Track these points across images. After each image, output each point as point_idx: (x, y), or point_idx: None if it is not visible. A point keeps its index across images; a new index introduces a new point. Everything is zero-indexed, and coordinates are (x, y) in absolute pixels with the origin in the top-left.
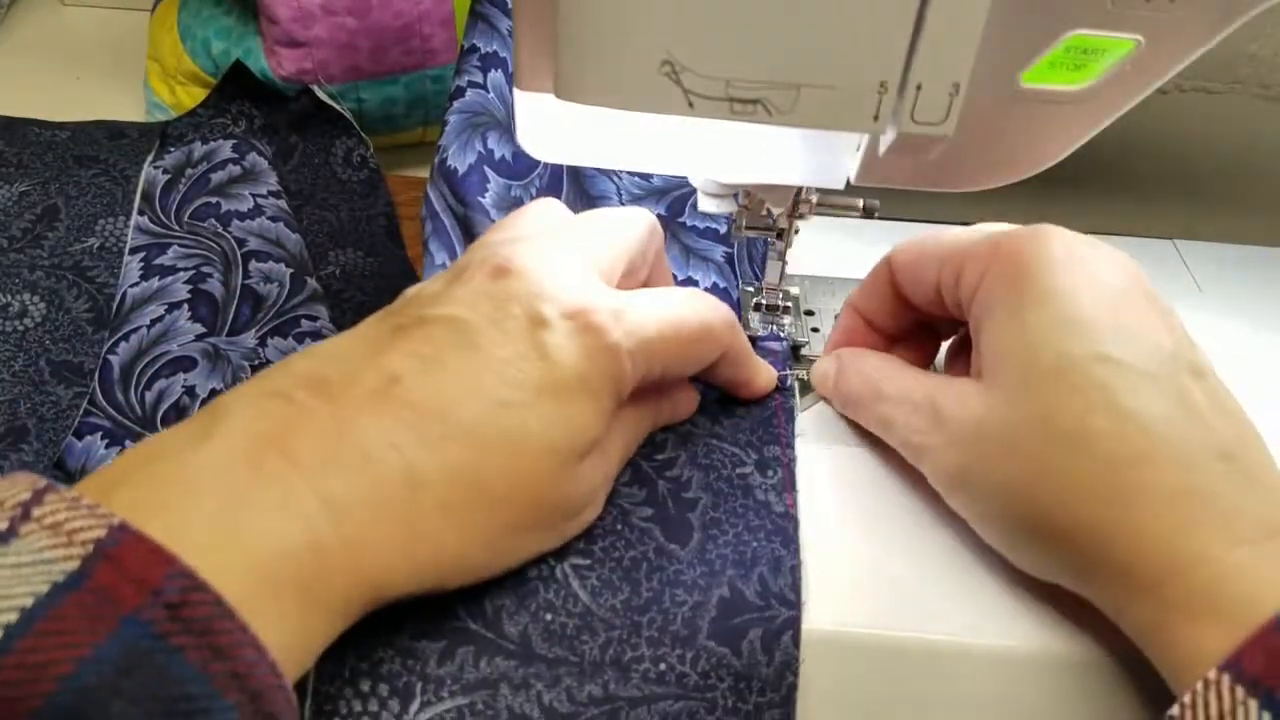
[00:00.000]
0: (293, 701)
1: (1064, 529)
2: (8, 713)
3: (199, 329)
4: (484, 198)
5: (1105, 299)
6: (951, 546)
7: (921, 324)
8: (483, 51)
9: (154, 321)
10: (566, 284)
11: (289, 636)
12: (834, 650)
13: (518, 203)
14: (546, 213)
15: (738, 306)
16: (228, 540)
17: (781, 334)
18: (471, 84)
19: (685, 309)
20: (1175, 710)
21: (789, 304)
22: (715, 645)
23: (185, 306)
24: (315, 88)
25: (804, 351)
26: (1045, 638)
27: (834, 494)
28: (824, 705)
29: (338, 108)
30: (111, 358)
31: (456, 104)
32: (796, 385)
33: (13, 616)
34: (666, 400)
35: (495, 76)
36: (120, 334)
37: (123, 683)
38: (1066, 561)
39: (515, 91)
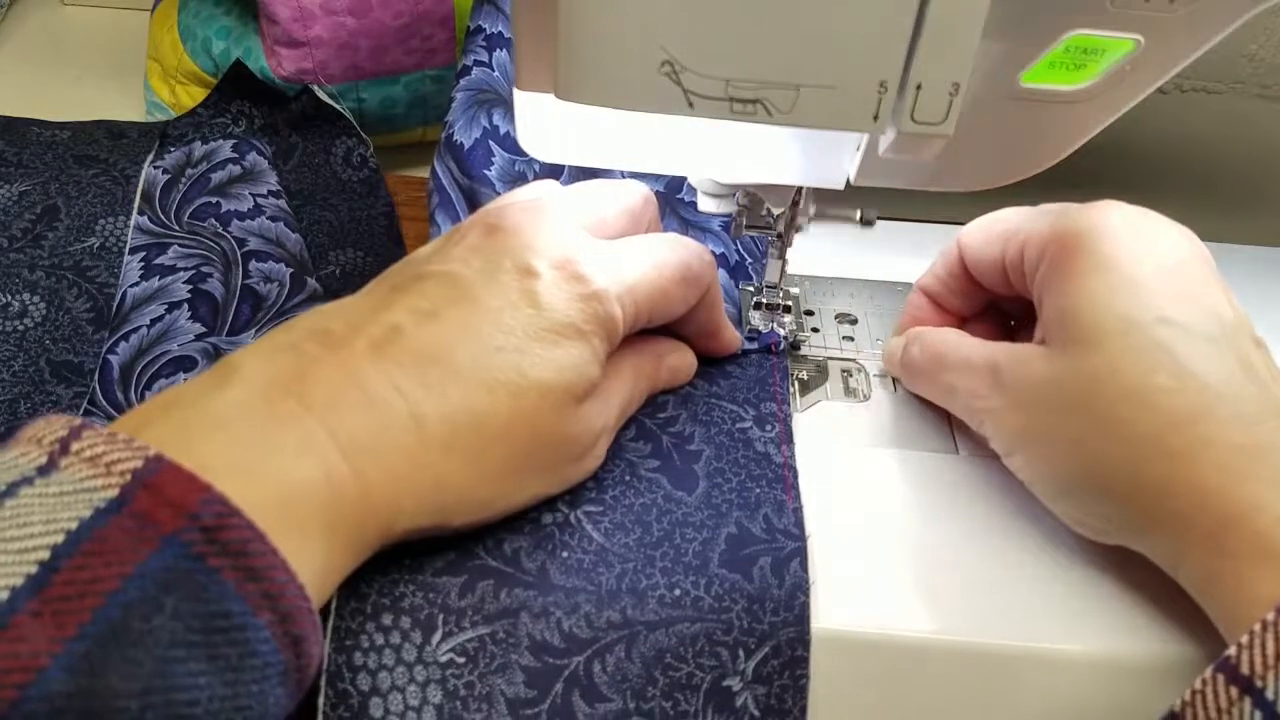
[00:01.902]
0: (318, 624)
1: (1124, 484)
2: (60, 624)
3: (199, 329)
4: (489, 171)
5: (1166, 266)
6: (954, 544)
7: (993, 305)
8: (488, 32)
9: (154, 321)
10: (554, 238)
11: (310, 565)
12: (838, 650)
13: (521, 176)
14: (544, 186)
15: (735, 272)
16: (250, 475)
17: (781, 332)
18: (477, 63)
19: (666, 252)
20: (1232, 650)
21: (789, 303)
22: (727, 573)
23: (185, 306)
24: (315, 88)
25: (803, 351)
26: (1052, 636)
27: (835, 493)
28: (829, 705)
29: (338, 108)
30: (111, 358)
31: (463, 81)
32: (797, 385)
33: (59, 538)
34: (664, 362)
35: (500, 56)
36: (120, 334)
37: (164, 598)
38: (1126, 517)
39: (515, 91)
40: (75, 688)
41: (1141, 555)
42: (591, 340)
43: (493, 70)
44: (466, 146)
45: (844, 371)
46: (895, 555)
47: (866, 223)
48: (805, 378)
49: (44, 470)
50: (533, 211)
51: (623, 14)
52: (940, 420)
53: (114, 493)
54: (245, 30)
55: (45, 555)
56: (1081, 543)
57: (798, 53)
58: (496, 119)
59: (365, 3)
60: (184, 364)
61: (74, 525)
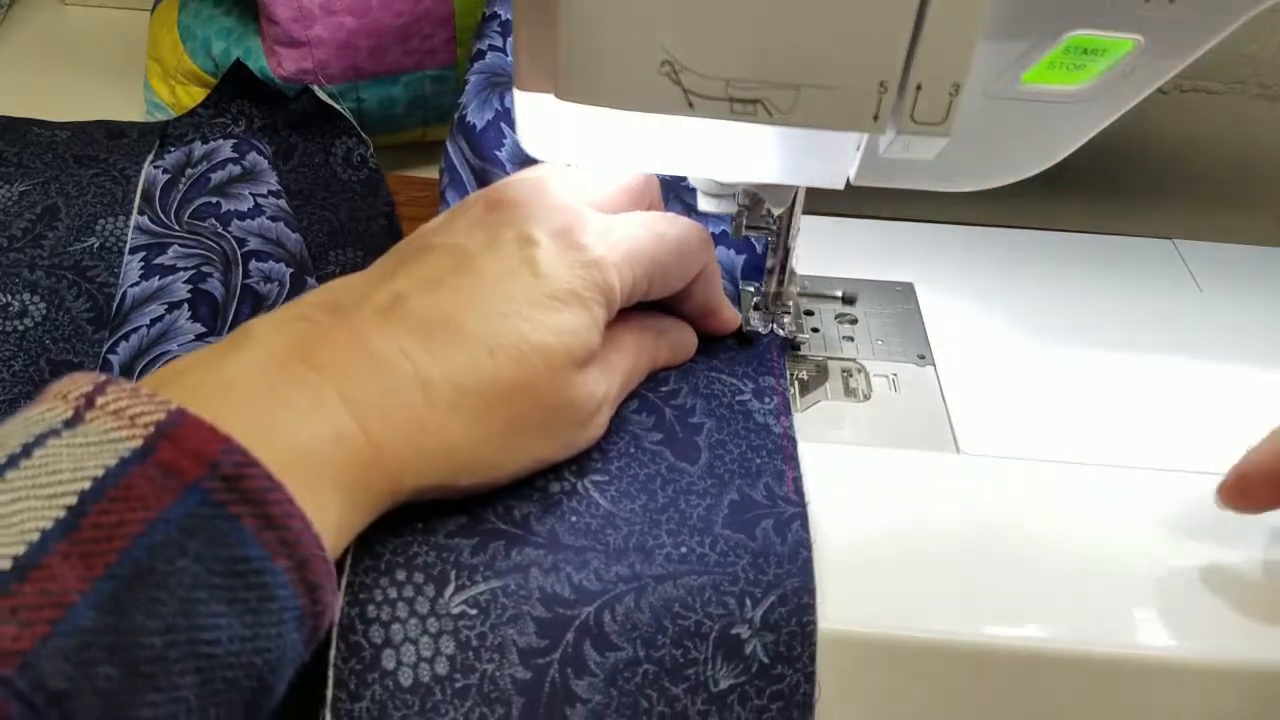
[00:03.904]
0: (333, 573)
1: None
2: (89, 565)
3: (199, 329)
4: (500, 152)
5: None
6: (954, 544)
7: None
8: (503, 18)
9: (154, 321)
10: (554, 209)
11: (323, 520)
12: (836, 650)
13: (531, 158)
14: (548, 166)
15: (728, 238)
16: (263, 433)
17: (780, 332)
18: (492, 47)
19: (664, 225)
20: None
21: (789, 303)
22: (730, 533)
23: (185, 306)
24: (315, 88)
25: (803, 351)
26: (1052, 635)
27: (835, 492)
28: (827, 704)
29: (338, 108)
30: (111, 358)
31: (477, 65)
32: (797, 385)
33: (86, 485)
34: (665, 337)
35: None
36: (120, 334)
37: (187, 542)
38: None
39: (515, 91)
40: (103, 624)
41: (1143, 553)
42: (591, 307)
43: (506, 55)
44: (479, 128)
45: (844, 371)
46: (895, 555)
47: (848, 300)
48: (805, 378)
49: (70, 423)
50: (534, 186)
51: (623, 14)
52: (940, 420)
53: (138, 443)
54: (245, 30)
55: (73, 500)
56: (1080, 543)
57: (798, 53)
58: (509, 102)
59: (365, 3)
60: None
61: (100, 473)
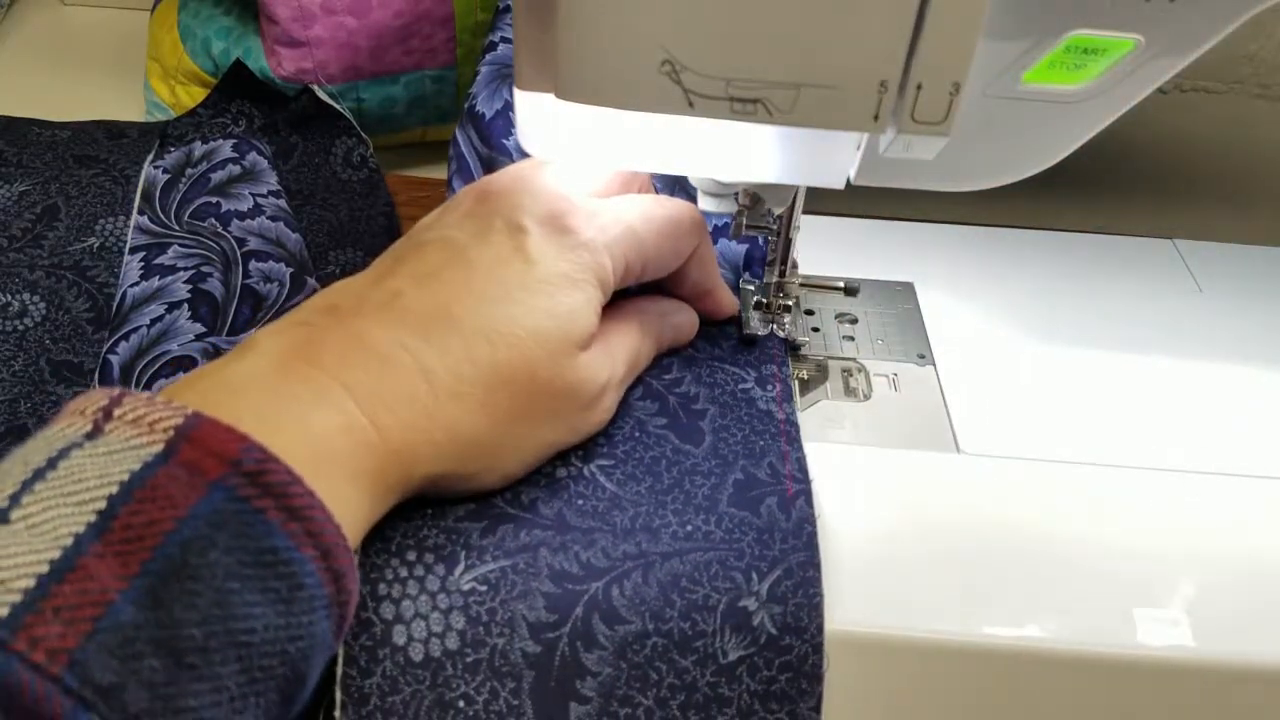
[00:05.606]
0: (354, 563)
1: None
2: (124, 563)
3: (199, 329)
4: (508, 141)
5: None
6: (954, 544)
7: None
8: None
9: (154, 321)
10: (542, 197)
11: (339, 511)
12: (837, 649)
13: None
14: (539, 158)
15: (725, 227)
16: (274, 429)
17: (781, 333)
18: (504, 39)
19: (653, 206)
20: None
21: (789, 303)
22: (736, 510)
23: (185, 306)
24: (315, 88)
25: (803, 351)
26: (1051, 634)
27: (836, 492)
28: (828, 702)
29: (338, 108)
30: (111, 357)
31: (489, 56)
32: (796, 384)
33: (114, 489)
34: (668, 320)
35: None
36: (120, 334)
37: (217, 536)
38: None
39: (515, 91)
40: (144, 619)
41: (1143, 553)
42: (584, 288)
43: None
44: (488, 117)
45: (844, 371)
46: (894, 555)
47: (850, 292)
48: (805, 378)
49: (90, 435)
50: (523, 176)
51: (623, 14)
52: (940, 420)
53: (159, 447)
54: (245, 30)
55: (103, 505)
56: (1080, 542)
57: (798, 53)
58: None
59: (365, 3)
60: (184, 364)
61: (125, 477)
